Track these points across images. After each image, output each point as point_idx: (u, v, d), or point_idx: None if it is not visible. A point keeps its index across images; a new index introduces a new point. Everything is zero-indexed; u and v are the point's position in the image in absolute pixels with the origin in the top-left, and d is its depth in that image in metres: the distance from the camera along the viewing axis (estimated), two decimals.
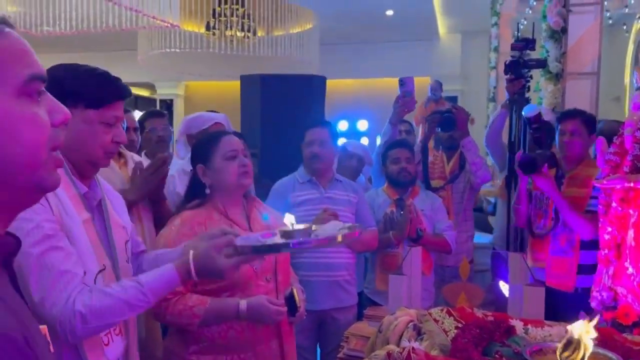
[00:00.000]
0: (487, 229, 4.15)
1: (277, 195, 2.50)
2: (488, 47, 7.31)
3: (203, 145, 1.86)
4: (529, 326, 1.51)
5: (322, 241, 1.26)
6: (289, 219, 1.35)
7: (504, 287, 2.51)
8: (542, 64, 2.83)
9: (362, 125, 9.19)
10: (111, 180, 2.03)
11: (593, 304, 1.98)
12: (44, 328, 0.83)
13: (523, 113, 2.66)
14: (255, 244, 1.27)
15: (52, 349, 0.85)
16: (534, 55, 3.00)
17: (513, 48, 2.79)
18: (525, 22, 6.34)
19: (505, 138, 3.03)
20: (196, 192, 1.84)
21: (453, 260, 2.89)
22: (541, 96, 3.76)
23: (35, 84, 0.67)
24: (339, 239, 1.25)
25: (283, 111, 3.05)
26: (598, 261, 1.99)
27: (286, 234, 1.26)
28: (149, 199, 2.16)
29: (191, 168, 1.89)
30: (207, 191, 1.81)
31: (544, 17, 3.76)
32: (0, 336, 0.55)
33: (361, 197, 2.57)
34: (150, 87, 10.92)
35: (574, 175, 2.58)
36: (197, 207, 1.81)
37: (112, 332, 1.39)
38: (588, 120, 2.62)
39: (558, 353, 1.27)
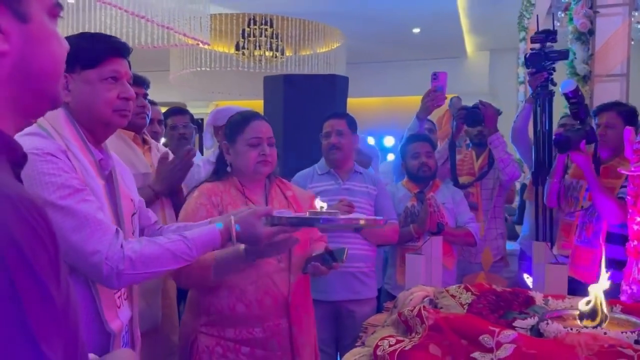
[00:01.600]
0: (513, 236, 4.05)
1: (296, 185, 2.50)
2: (516, 63, 7.25)
3: (233, 125, 1.90)
4: (550, 298, 1.45)
5: (349, 221, 1.44)
6: (319, 204, 1.47)
7: (528, 280, 2.44)
8: (564, 55, 2.76)
9: (389, 141, 9.20)
10: (134, 164, 2.07)
11: (623, 298, 1.90)
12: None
13: (560, 89, 2.63)
14: (290, 216, 1.44)
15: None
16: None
17: (534, 40, 2.74)
18: None
19: (530, 133, 2.97)
20: (220, 167, 1.90)
21: (477, 257, 2.82)
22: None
23: (58, 9, 0.74)
24: (362, 222, 1.42)
25: (306, 110, 3.07)
26: (627, 253, 1.92)
27: (315, 214, 1.42)
28: (169, 194, 2.20)
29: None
30: (229, 169, 1.86)
31: (571, 19, 3.72)
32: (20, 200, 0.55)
33: (382, 189, 2.55)
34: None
35: (609, 167, 2.54)
36: (216, 180, 1.86)
37: (122, 296, 1.39)
38: (625, 112, 2.57)
39: (578, 313, 1.22)
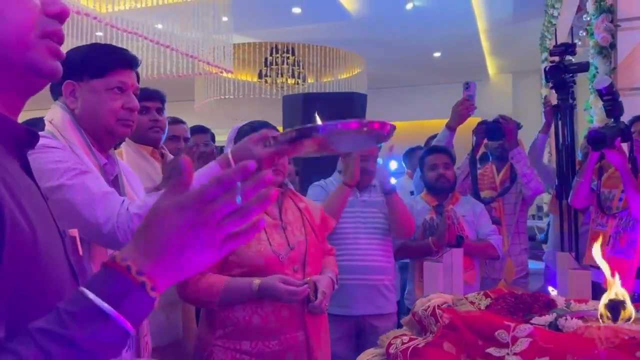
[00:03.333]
0: (539, 256, 3.95)
1: (312, 196, 2.48)
2: (540, 85, 7.20)
3: (242, 136, 1.89)
4: (572, 302, 1.40)
5: (350, 125, 1.18)
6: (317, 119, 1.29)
7: (553, 292, 2.36)
8: (584, 67, 2.73)
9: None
10: (152, 178, 2.10)
11: None
12: (73, 231, 0.85)
13: (594, 85, 2.59)
14: (287, 130, 1.23)
15: (80, 252, 0.87)
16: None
17: (552, 53, 2.73)
18: (575, 55, 6.22)
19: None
20: None
21: (499, 273, 2.75)
22: (591, 114, 3.64)
23: None
24: (365, 128, 1.17)
25: None
26: None
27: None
28: None
29: None
30: None
31: (591, 34, 3.69)
32: None
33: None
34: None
35: None
36: None
37: None
38: None
39: (600, 313, 1.17)
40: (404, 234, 2.48)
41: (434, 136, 3.83)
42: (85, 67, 1.34)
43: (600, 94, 2.49)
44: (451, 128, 2.88)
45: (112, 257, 0.59)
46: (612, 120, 2.49)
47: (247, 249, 1.72)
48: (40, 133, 1.28)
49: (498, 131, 2.85)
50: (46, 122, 1.38)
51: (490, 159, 3.12)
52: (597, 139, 2.35)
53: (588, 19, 4.17)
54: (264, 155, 1.27)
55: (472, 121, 5.06)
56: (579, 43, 6.51)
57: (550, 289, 2.48)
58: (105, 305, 0.56)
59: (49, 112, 1.41)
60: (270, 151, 1.26)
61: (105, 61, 1.36)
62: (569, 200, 2.58)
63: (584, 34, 6.25)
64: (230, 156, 1.32)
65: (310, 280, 1.76)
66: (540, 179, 3.04)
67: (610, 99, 2.46)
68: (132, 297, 0.57)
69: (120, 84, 1.36)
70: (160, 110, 2.18)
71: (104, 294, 0.57)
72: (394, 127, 1.22)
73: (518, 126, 2.96)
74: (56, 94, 1.41)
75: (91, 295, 0.56)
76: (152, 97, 2.12)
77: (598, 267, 2.54)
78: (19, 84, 0.70)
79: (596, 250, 1.33)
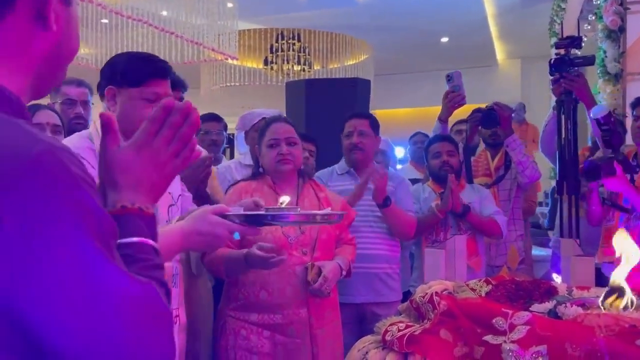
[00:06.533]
0: (544, 243, 3.93)
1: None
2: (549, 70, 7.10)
3: (259, 130, 2.12)
4: (574, 289, 1.38)
5: (301, 217, 1.24)
6: (284, 199, 1.33)
7: (557, 279, 2.33)
8: (589, 60, 2.67)
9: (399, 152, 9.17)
10: None
11: None
12: (169, 266, 0.91)
13: (591, 115, 2.54)
14: (240, 213, 1.22)
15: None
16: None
17: (557, 46, 2.67)
18: (585, 39, 6.12)
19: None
20: (256, 169, 2.11)
21: (503, 259, 2.73)
22: (600, 99, 3.58)
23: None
24: (318, 217, 1.25)
25: (327, 114, 3.05)
26: None
27: (272, 210, 1.25)
28: (195, 198, 2.24)
29: (248, 162, 2.40)
30: (261, 169, 2.06)
31: (600, 18, 3.62)
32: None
33: (399, 183, 2.50)
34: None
35: None
36: (250, 179, 2.05)
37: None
38: None
39: (600, 301, 1.15)
40: (404, 237, 2.50)
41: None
42: (124, 77, 1.47)
43: (598, 123, 2.44)
44: (442, 120, 2.87)
45: (112, 205, 0.73)
46: (611, 151, 2.45)
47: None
48: (82, 132, 1.54)
49: (493, 118, 2.82)
50: (91, 122, 1.52)
51: (485, 146, 3.09)
52: (590, 172, 2.34)
53: (598, 1, 4.10)
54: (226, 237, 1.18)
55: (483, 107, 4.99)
56: (588, 27, 6.40)
57: (554, 275, 2.45)
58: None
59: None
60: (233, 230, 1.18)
61: (140, 72, 1.48)
62: (590, 223, 2.61)
63: (594, 17, 6.15)
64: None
65: (316, 264, 1.89)
66: (553, 164, 3.01)
67: (608, 129, 2.41)
68: (137, 221, 0.72)
69: (154, 95, 1.46)
70: (181, 100, 2.19)
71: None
72: (341, 215, 1.26)
73: (511, 113, 2.93)
74: (102, 95, 1.54)
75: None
76: (176, 86, 2.16)
77: (612, 262, 2.52)
78: (46, 89, 0.76)
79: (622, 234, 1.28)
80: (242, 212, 1.24)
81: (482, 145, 3.20)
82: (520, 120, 6.87)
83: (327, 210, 1.29)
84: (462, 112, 2.97)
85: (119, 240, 0.69)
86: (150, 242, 0.72)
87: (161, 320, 0.60)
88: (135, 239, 0.71)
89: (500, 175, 2.90)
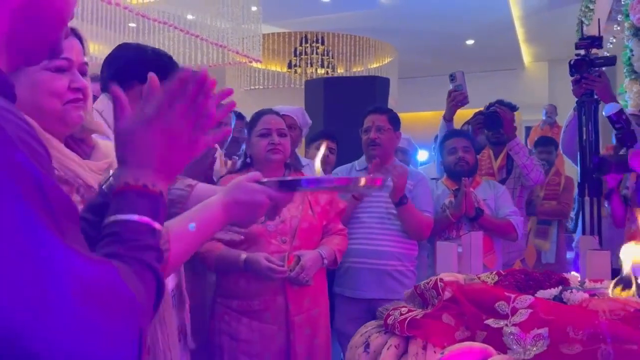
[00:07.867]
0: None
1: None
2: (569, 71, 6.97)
3: (250, 121, 2.14)
4: (586, 281, 1.35)
5: (337, 181, 1.20)
6: (318, 168, 1.28)
7: (575, 276, 2.28)
8: (610, 61, 2.61)
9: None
10: None
11: None
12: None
13: (604, 113, 2.49)
14: (272, 179, 1.18)
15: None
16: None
17: (578, 47, 2.62)
18: (614, 40, 6.00)
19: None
20: (243, 161, 2.13)
21: (518, 256, 2.70)
22: (626, 98, 3.50)
23: None
24: (352, 184, 1.17)
25: (346, 112, 3.06)
26: None
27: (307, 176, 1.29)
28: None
29: None
30: (248, 160, 2.07)
31: (627, 16, 3.54)
32: None
33: (418, 181, 2.47)
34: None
35: None
36: (237, 172, 2.04)
37: None
38: None
39: (610, 289, 1.12)
40: (417, 237, 2.47)
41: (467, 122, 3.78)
42: (133, 74, 1.40)
43: (611, 121, 2.39)
44: (447, 119, 2.90)
45: (117, 182, 0.69)
46: (624, 149, 2.40)
47: None
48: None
49: (496, 121, 2.80)
50: (95, 114, 1.43)
51: (488, 144, 3.05)
52: (599, 166, 2.31)
53: (626, 0, 4.01)
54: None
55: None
56: (617, 28, 6.27)
57: (572, 273, 2.40)
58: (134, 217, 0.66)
59: (96, 102, 1.45)
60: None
61: (149, 69, 1.45)
62: (615, 224, 2.56)
63: (622, 17, 6.02)
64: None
65: (295, 253, 1.92)
66: (576, 164, 2.95)
67: (621, 127, 2.35)
68: (136, 198, 0.68)
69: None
70: None
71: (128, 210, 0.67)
72: (384, 181, 1.19)
73: (513, 116, 2.90)
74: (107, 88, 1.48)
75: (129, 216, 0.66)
76: None
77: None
78: (33, 54, 0.73)
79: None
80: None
81: None
82: (551, 123, 6.74)
83: (365, 177, 1.22)
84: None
85: (110, 218, 0.65)
86: (147, 220, 0.66)
87: (118, 304, 0.52)
88: (124, 217, 0.65)
89: (502, 178, 2.89)
